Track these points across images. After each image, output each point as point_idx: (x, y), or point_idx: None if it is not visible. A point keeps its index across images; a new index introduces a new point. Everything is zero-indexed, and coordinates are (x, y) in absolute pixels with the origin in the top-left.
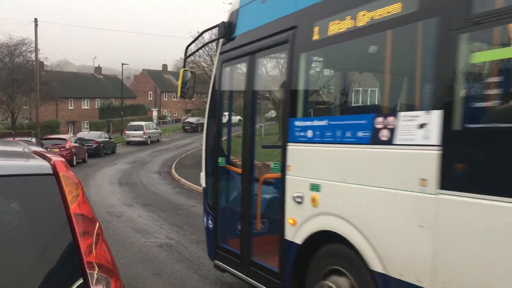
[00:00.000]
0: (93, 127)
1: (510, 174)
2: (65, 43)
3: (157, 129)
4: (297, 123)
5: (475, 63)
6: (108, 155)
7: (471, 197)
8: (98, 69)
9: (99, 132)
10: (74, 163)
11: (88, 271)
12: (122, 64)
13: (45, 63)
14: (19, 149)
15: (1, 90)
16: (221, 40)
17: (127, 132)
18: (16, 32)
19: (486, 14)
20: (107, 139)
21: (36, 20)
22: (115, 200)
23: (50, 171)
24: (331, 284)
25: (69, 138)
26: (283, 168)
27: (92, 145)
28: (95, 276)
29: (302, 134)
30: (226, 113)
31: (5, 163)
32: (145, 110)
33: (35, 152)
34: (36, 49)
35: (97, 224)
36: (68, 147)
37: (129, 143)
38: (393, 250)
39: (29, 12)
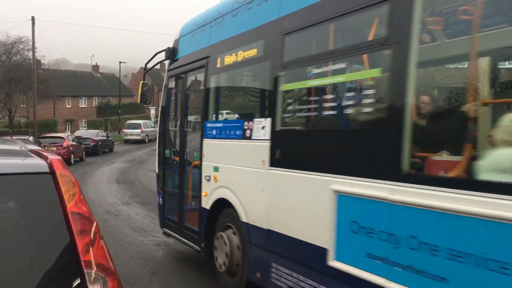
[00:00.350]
0: (90, 125)
1: (300, 157)
2: (63, 41)
3: (155, 128)
4: (208, 124)
5: (284, 90)
6: (106, 153)
7: (284, 171)
8: (95, 67)
9: (96, 131)
10: (72, 162)
11: (85, 270)
12: (120, 62)
13: (42, 61)
14: (16, 147)
15: None
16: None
17: (124, 130)
18: (13, 30)
19: (291, 62)
20: (105, 138)
21: (33, 18)
22: (113, 198)
23: (47, 170)
24: (223, 234)
25: (66, 137)
26: (201, 157)
27: (89, 144)
28: (93, 275)
29: (210, 132)
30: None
31: (2, 162)
32: (143, 108)
33: (32, 151)
34: (34, 48)
35: (94, 223)
36: (65, 146)
37: (127, 142)
38: (251, 207)
39: (27, 10)
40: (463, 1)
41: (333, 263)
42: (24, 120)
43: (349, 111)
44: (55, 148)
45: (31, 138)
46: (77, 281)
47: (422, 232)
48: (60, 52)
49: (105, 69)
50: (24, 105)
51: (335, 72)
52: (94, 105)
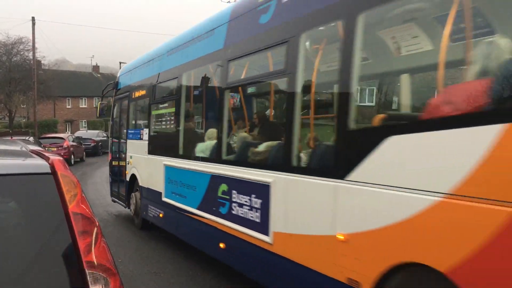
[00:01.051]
0: (91, 126)
1: (155, 149)
2: (63, 41)
3: None
4: (128, 131)
5: (152, 114)
6: (106, 154)
7: (151, 156)
8: (95, 67)
9: (97, 131)
10: (72, 162)
11: (87, 271)
12: (120, 62)
13: (42, 61)
14: (16, 148)
15: None
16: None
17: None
18: (13, 30)
19: (155, 100)
20: (105, 138)
21: (33, 18)
22: None
23: (49, 170)
24: (133, 194)
25: (67, 137)
26: (126, 150)
27: (90, 144)
28: (94, 275)
29: (129, 136)
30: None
31: (3, 162)
32: None
33: (33, 151)
34: (34, 48)
35: (96, 223)
36: (66, 146)
37: None
38: (142, 177)
39: (27, 10)
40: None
41: (164, 199)
42: (24, 120)
43: (167, 126)
44: (55, 149)
45: (31, 139)
46: (79, 282)
47: (181, 178)
48: (60, 52)
49: (105, 69)
50: (24, 106)
51: (162, 108)
52: (94, 106)
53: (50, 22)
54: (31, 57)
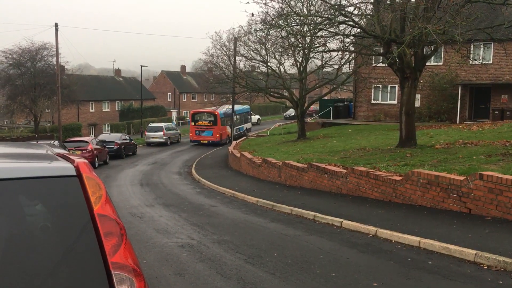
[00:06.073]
0: (113, 129)
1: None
2: (86, 46)
3: (177, 130)
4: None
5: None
6: (128, 156)
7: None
8: (117, 71)
9: (119, 134)
10: (96, 165)
11: (112, 272)
12: (141, 66)
13: (66, 67)
14: (42, 151)
15: (24, 94)
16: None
17: (147, 133)
18: (37, 36)
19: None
20: (128, 141)
21: (56, 24)
22: (137, 200)
23: (74, 173)
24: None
25: (90, 141)
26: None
27: (113, 147)
28: (120, 276)
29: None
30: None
31: (30, 165)
32: (164, 111)
33: (59, 154)
34: (57, 53)
35: (121, 225)
36: (90, 149)
37: (149, 144)
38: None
39: (50, 16)
40: None
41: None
42: (49, 124)
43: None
44: (79, 152)
45: (56, 143)
46: (105, 283)
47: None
48: (82, 57)
49: (126, 73)
50: (49, 110)
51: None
52: (116, 109)
53: (72, 27)
54: (55, 63)
